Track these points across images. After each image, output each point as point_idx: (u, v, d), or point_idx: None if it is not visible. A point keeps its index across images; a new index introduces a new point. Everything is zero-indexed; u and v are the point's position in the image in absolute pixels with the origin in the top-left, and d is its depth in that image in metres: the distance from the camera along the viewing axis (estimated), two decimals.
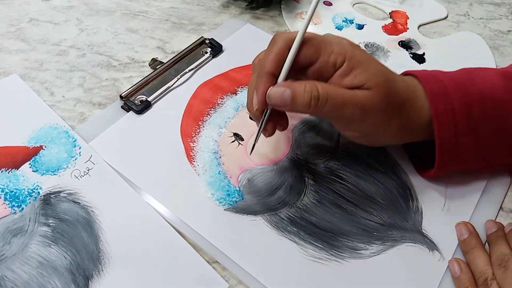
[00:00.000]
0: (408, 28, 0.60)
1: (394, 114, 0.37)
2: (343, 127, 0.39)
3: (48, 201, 0.39)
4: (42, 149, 0.43)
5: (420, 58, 0.56)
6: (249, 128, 0.46)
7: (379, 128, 0.38)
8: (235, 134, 0.46)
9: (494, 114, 0.39)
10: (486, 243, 0.40)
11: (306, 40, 0.35)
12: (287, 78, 0.36)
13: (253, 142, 0.40)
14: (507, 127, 0.40)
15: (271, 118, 0.38)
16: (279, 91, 0.35)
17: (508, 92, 0.39)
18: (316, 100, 0.35)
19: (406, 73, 0.41)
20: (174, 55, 0.52)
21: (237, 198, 0.41)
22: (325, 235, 0.39)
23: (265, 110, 0.37)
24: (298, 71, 0.37)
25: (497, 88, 0.39)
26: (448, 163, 0.40)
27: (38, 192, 0.40)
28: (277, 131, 0.40)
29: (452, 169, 0.41)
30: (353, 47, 0.36)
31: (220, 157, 0.44)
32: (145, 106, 0.47)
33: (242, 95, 0.49)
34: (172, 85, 0.49)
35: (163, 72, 0.50)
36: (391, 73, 0.38)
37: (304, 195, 0.42)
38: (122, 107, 0.47)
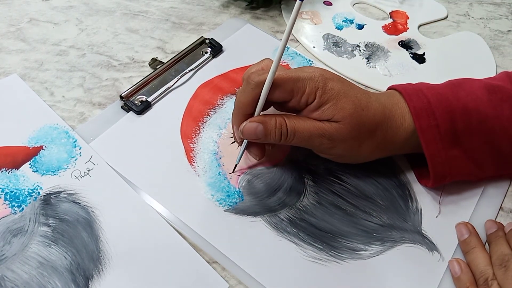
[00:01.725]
0: (408, 28, 0.60)
1: (366, 139, 0.39)
2: (316, 152, 0.41)
3: (48, 201, 0.39)
4: (42, 149, 0.43)
5: (420, 58, 0.56)
6: None
7: (352, 152, 0.40)
8: None
9: (480, 127, 0.40)
10: (486, 243, 0.40)
11: (280, 84, 0.37)
12: (263, 109, 0.39)
13: (235, 162, 0.43)
14: (494, 140, 0.40)
15: (256, 145, 0.41)
16: (252, 126, 0.38)
17: (492, 106, 0.40)
18: (285, 135, 0.38)
19: (390, 88, 0.43)
20: (174, 55, 0.52)
21: (237, 199, 0.41)
22: (324, 236, 0.39)
23: (243, 144, 0.41)
24: (271, 104, 0.40)
25: (481, 101, 0.40)
26: (442, 174, 0.40)
27: (38, 192, 0.40)
28: None
29: (447, 180, 0.41)
30: (324, 82, 0.37)
31: (220, 158, 0.44)
32: (145, 107, 0.47)
33: None
34: (172, 85, 0.49)
35: (163, 72, 0.50)
36: (364, 99, 0.39)
37: (303, 196, 0.42)
38: (122, 107, 0.47)
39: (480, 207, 0.43)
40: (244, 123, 0.39)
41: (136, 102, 0.47)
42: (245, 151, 0.42)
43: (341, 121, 0.37)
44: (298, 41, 0.57)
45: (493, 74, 0.54)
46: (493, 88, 0.41)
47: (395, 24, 0.61)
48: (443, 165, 0.40)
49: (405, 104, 0.40)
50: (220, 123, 0.47)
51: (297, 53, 0.54)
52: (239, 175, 0.43)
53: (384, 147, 0.40)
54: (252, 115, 0.39)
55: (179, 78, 0.50)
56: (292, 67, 0.53)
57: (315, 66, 0.46)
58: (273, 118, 0.38)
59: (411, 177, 0.44)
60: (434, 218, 0.41)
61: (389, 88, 0.43)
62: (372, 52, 0.56)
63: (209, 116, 0.47)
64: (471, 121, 0.39)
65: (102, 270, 0.36)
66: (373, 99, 0.39)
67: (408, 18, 0.61)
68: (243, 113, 0.39)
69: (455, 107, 0.39)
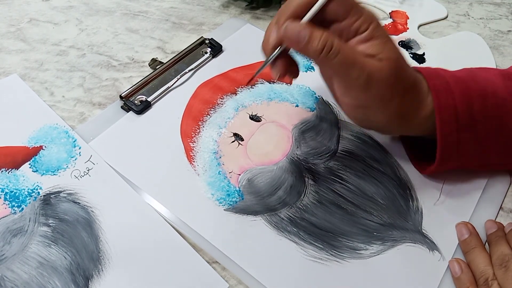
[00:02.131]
0: (408, 28, 0.60)
1: (398, 95, 0.37)
2: (344, 90, 0.38)
3: (48, 201, 0.39)
4: (42, 149, 0.43)
5: (420, 58, 0.56)
6: (249, 128, 0.46)
7: (379, 103, 0.37)
8: (235, 134, 0.46)
9: (494, 112, 0.39)
10: (487, 243, 0.40)
11: None
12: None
13: (255, 73, 0.39)
14: (506, 126, 0.40)
15: (283, 61, 0.38)
16: (298, 27, 0.35)
17: (508, 92, 0.40)
18: (329, 48, 0.35)
19: None
20: (174, 55, 0.52)
21: (237, 198, 0.41)
22: (325, 235, 0.39)
23: (278, 48, 0.37)
24: (320, 24, 0.36)
25: (498, 86, 0.40)
26: (448, 158, 0.40)
27: (38, 192, 0.40)
28: (276, 131, 0.41)
29: (451, 165, 0.41)
30: (378, 21, 0.36)
31: (220, 157, 0.44)
32: (145, 106, 0.47)
33: (242, 95, 0.49)
34: (172, 85, 0.49)
35: (163, 72, 0.50)
36: (404, 59, 0.38)
37: (304, 195, 0.42)
38: (122, 107, 0.47)
39: (480, 207, 0.43)
40: (289, 22, 0.35)
41: (136, 102, 0.47)
42: (269, 65, 0.38)
43: (385, 61, 0.36)
44: None
45: None
46: (508, 75, 0.41)
47: (395, 24, 0.61)
48: (453, 147, 0.39)
49: (426, 84, 0.39)
50: (220, 122, 0.47)
51: (297, 52, 0.54)
52: (239, 174, 0.43)
53: (406, 116, 0.39)
54: (299, 20, 0.36)
55: (179, 78, 0.50)
56: None
57: None
58: (322, 30, 0.35)
59: (412, 177, 0.44)
60: (434, 218, 0.41)
61: None
62: None
63: (209, 115, 0.47)
64: (487, 104, 0.39)
65: (102, 270, 0.36)
66: (408, 65, 0.39)
67: (408, 18, 0.61)
68: (292, 14, 0.36)
69: (472, 90, 0.39)
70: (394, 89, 0.37)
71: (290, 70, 0.39)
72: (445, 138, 0.39)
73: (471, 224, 0.40)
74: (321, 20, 0.36)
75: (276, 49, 0.37)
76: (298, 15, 0.36)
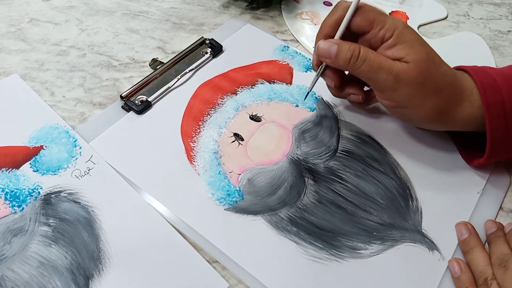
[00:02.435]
0: None
1: (431, 94, 0.40)
2: (379, 92, 0.42)
3: (48, 201, 0.39)
4: (43, 149, 0.43)
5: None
6: (249, 128, 0.46)
7: (413, 102, 0.40)
8: (235, 134, 0.46)
9: None
10: (486, 243, 0.40)
11: (363, 12, 0.40)
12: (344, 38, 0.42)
13: (307, 89, 0.46)
14: None
15: (334, 73, 0.44)
16: (327, 44, 0.41)
17: None
18: (356, 58, 0.40)
19: (456, 68, 0.44)
20: (175, 55, 0.52)
21: (237, 198, 0.41)
22: (325, 235, 0.39)
23: (320, 66, 0.44)
24: (351, 37, 0.41)
25: None
26: (497, 152, 0.41)
27: (39, 192, 0.40)
28: (276, 131, 0.43)
29: (500, 158, 0.42)
30: (404, 27, 0.40)
31: (220, 157, 0.44)
32: (145, 106, 0.47)
33: (242, 95, 0.49)
34: (172, 85, 0.49)
35: (164, 72, 0.50)
36: (437, 57, 0.41)
37: (304, 195, 0.42)
38: (122, 107, 0.47)
39: (480, 207, 0.43)
40: (321, 41, 0.41)
41: (136, 102, 0.47)
42: (322, 77, 0.45)
43: (411, 63, 0.39)
44: (298, 42, 0.57)
45: None
46: None
47: None
48: (502, 141, 0.40)
49: (472, 81, 0.41)
50: (220, 122, 0.47)
51: (297, 52, 0.54)
52: (240, 174, 0.43)
53: (446, 113, 0.41)
54: (332, 37, 0.42)
55: (179, 78, 0.50)
56: (292, 66, 0.53)
57: None
58: (349, 43, 0.40)
59: (412, 176, 0.44)
60: (434, 218, 0.41)
61: (455, 68, 0.44)
62: None
63: (210, 115, 0.47)
64: None
65: (102, 269, 0.36)
66: (446, 64, 0.41)
67: (408, 18, 0.61)
68: (325, 34, 0.42)
69: None
70: (424, 88, 0.39)
71: (352, 92, 0.45)
72: (494, 133, 0.40)
73: (471, 224, 0.41)
74: (351, 35, 0.41)
75: (319, 66, 0.44)
76: (329, 35, 0.42)
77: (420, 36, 0.41)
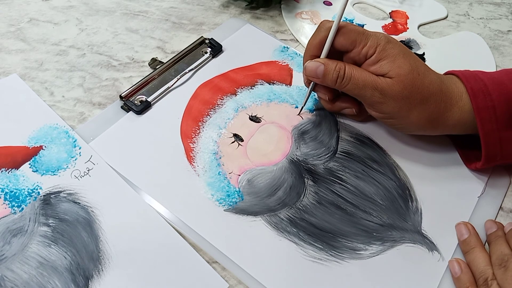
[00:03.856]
0: (408, 28, 0.60)
1: (417, 104, 0.41)
2: (368, 105, 0.43)
3: (48, 201, 0.39)
4: (42, 149, 0.43)
5: (420, 58, 0.56)
6: (249, 128, 0.46)
7: (400, 114, 0.41)
8: (235, 135, 0.46)
9: None
10: (486, 243, 0.40)
11: (345, 32, 0.41)
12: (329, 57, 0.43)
13: (301, 105, 0.48)
14: None
15: (325, 88, 0.45)
16: (315, 65, 0.43)
17: None
18: (341, 78, 0.41)
19: (447, 73, 0.45)
20: (174, 55, 0.52)
21: (237, 198, 0.41)
22: (324, 236, 0.39)
23: (311, 84, 0.45)
24: (337, 54, 0.43)
25: None
26: (493, 155, 0.42)
27: (38, 192, 0.40)
28: (276, 132, 0.43)
29: (497, 161, 0.42)
30: (386, 41, 0.41)
31: (220, 157, 0.44)
32: (145, 107, 0.47)
33: (242, 96, 0.49)
34: (172, 85, 0.49)
35: (163, 72, 0.50)
36: (422, 68, 0.41)
37: (303, 196, 0.42)
38: (122, 107, 0.47)
39: (480, 207, 0.43)
40: (308, 62, 0.43)
41: (136, 102, 0.47)
42: (315, 92, 0.47)
43: (395, 78, 0.40)
44: (298, 41, 0.57)
45: None
46: None
47: (395, 24, 0.61)
48: (496, 145, 0.41)
49: (462, 85, 0.42)
50: (220, 123, 0.47)
51: (296, 53, 0.54)
52: (239, 175, 0.43)
53: (435, 120, 0.41)
54: (318, 57, 0.43)
55: (179, 78, 0.50)
56: (292, 67, 0.53)
57: None
58: (335, 62, 0.42)
59: (411, 177, 0.44)
60: (434, 218, 0.41)
61: (446, 73, 0.45)
62: None
63: (209, 116, 0.47)
64: None
65: (102, 270, 0.36)
66: (433, 72, 0.42)
67: (408, 18, 0.61)
68: (311, 54, 0.44)
69: (510, 90, 0.40)
70: (410, 99, 0.41)
71: (346, 106, 0.46)
72: (487, 137, 0.40)
73: (471, 224, 0.41)
74: (336, 52, 0.43)
75: (310, 84, 0.45)
76: (315, 55, 0.43)
77: (404, 47, 0.42)
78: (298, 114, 0.48)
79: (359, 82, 0.41)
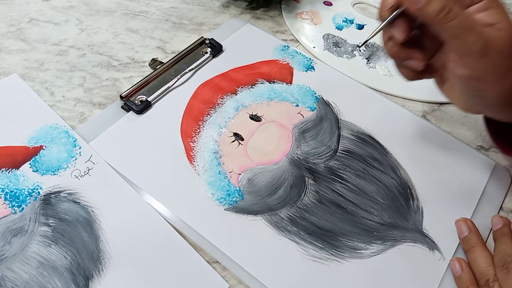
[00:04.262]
0: None
1: None
2: (459, 57, 0.36)
3: (48, 201, 0.39)
4: (42, 149, 0.43)
5: None
6: (249, 127, 0.46)
7: (495, 74, 0.35)
8: (235, 134, 0.46)
9: None
10: (489, 239, 0.40)
11: None
12: None
13: (369, 36, 0.39)
14: None
15: (404, 23, 0.37)
16: None
17: None
18: (448, 11, 0.34)
19: None
20: (174, 55, 0.52)
21: (237, 198, 0.41)
22: (325, 235, 0.39)
23: (397, 10, 0.37)
24: None
25: None
26: None
27: (38, 192, 0.40)
28: (276, 131, 0.42)
29: None
30: None
31: (220, 157, 0.44)
32: (145, 106, 0.47)
33: (242, 95, 0.49)
34: (172, 85, 0.49)
35: (163, 72, 0.50)
36: None
37: (304, 195, 0.42)
38: (122, 107, 0.47)
39: (480, 207, 0.43)
40: None
41: (136, 101, 0.47)
42: (387, 31, 0.38)
43: (504, 30, 0.34)
44: (298, 41, 0.57)
45: None
46: None
47: None
48: None
49: None
50: (220, 122, 0.47)
51: (297, 52, 0.54)
52: (240, 174, 0.43)
53: None
54: None
55: (179, 78, 0.50)
56: (292, 66, 0.53)
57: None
58: None
59: (413, 176, 0.44)
60: (435, 217, 0.41)
61: None
62: (372, 52, 0.56)
63: (209, 115, 0.47)
64: None
65: (102, 270, 0.36)
66: None
67: None
68: None
69: None
70: (511, 60, 0.35)
71: (414, 56, 0.38)
72: None
73: (471, 221, 0.40)
74: None
75: (395, 11, 0.36)
76: None
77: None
78: (362, 45, 0.40)
79: (466, 22, 0.34)
